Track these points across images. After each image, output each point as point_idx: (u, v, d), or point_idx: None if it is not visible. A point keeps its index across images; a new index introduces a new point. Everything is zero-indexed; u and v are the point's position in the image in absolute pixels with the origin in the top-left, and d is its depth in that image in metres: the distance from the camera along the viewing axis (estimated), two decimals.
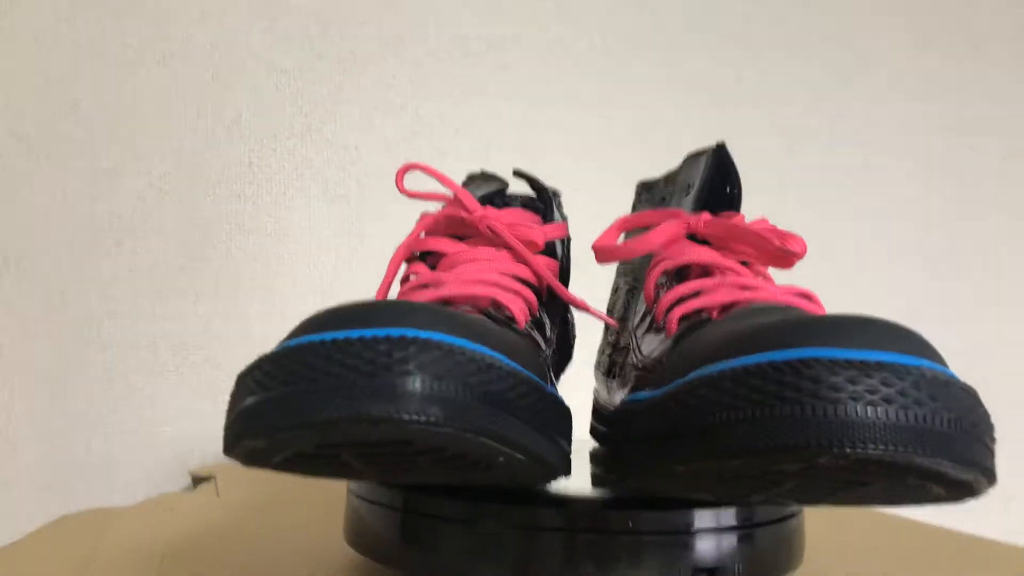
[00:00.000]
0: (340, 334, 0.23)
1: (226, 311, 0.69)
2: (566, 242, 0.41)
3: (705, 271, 0.33)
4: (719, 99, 0.84)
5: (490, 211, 0.36)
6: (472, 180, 0.42)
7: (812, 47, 0.89)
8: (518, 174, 0.41)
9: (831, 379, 0.20)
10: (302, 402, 0.22)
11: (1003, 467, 0.28)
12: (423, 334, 0.22)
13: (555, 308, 0.37)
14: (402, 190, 0.38)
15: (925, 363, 0.21)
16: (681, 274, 0.34)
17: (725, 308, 0.30)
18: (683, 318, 0.31)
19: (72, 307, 0.66)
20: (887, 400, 0.20)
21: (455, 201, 0.37)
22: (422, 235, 0.38)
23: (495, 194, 0.39)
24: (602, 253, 0.35)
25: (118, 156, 0.68)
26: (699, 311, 0.30)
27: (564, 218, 0.42)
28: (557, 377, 0.40)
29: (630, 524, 0.28)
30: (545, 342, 0.34)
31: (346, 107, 0.73)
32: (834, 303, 0.30)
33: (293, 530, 0.41)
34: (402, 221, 0.73)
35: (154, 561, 0.36)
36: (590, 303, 0.37)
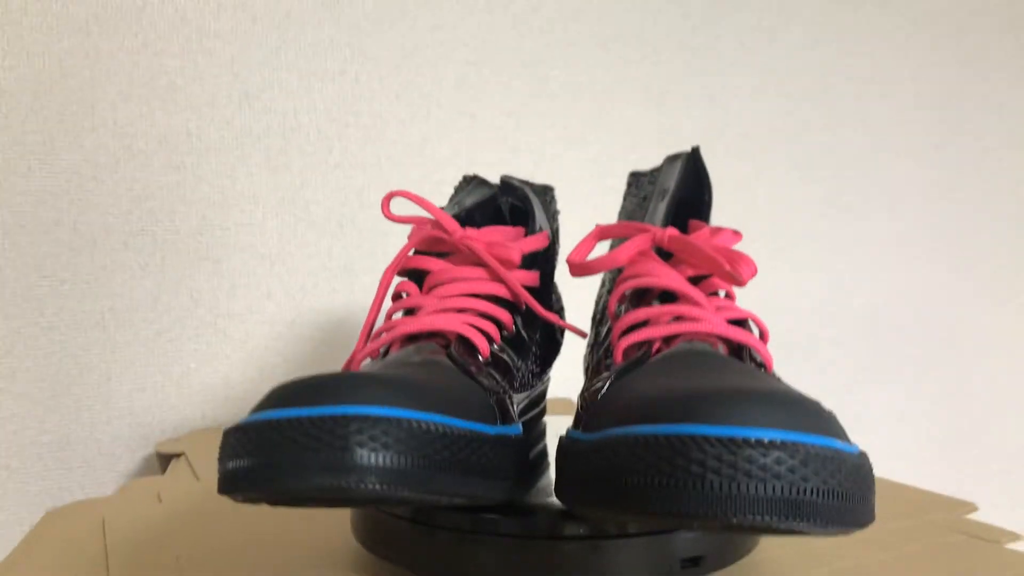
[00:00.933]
0: (293, 412, 0.26)
1: (174, 284, 0.69)
2: (554, 235, 0.44)
3: (663, 294, 0.36)
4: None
5: (469, 232, 0.39)
6: (466, 184, 0.44)
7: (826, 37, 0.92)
8: (505, 184, 0.43)
9: (724, 456, 0.23)
10: (264, 474, 0.26)
11: None
12: (364, 410, 0.26)
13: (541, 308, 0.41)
14: (388, 216, 0.40)
15: (799, 436, 0.24)
16: (639, 295, 0.37)
17: (668, 339, 0.33)
18: (628, 348, 0.33)
19: (12, 286, 0.65)
20: (764, 476, 0.23)
21: (436, 223, 0.39)
22: (412, 252, 0.40)
23: (483, 204, 0.41)
24: (574, 268, 0.37)
25: (48, 130, 0.65)
26: (643, 343, 0.33)
27: (555, 214, 0.45)
28: (548, 366, 0.43)
29: (581, 531, 0.32)
30: (520, 355, 0.38)
31: (284, 73, 0.72)
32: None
33: (300, 521, 0.44)
34: (344, 188, 0.74)
35: (170, 562, 0.39)
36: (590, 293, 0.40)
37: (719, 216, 0.90)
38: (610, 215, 0.84)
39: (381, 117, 0.76)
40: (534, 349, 0.40)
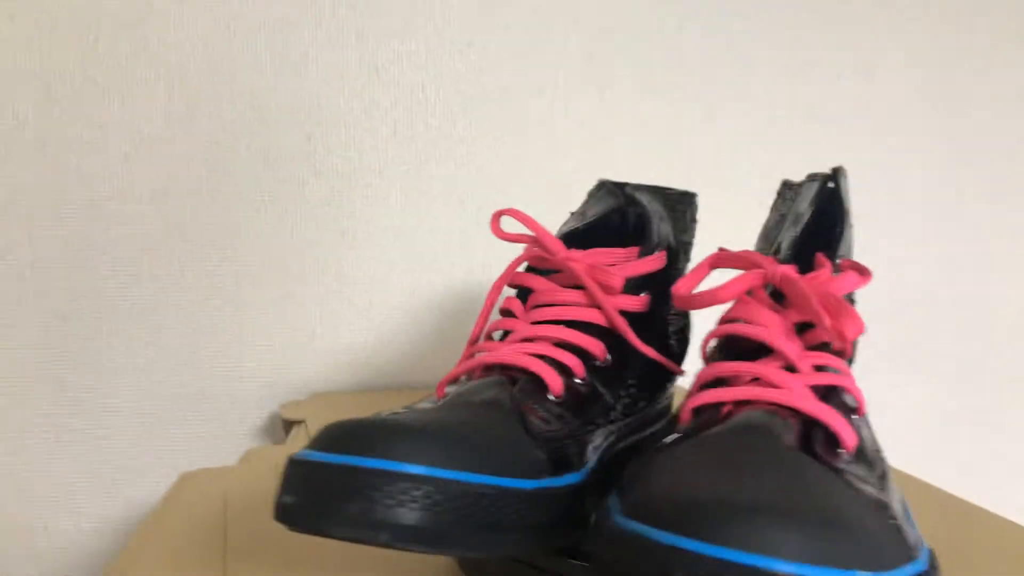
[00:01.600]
0: (331, 458, 0.27)
1: (302, 250, 0.72)
2: (682, 249, 0.43)
3: (756, 347, 0.32)
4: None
5: (574, 253, 0.37)
6: (597, 191, 0.42)
7: None
8: (629, 198, 0.42)
9: None
10: (310, 513, 0.27)
11: None
12: (409, 468, 0.26)
13: (655, 328, 0.39)
14: (498, 234, 0.39)
15: (816, 571, 0.20)
16: (735, 341, 0.34)
17: (740, 404, 0.30)
18: (697, 408, 0.31)
19: (157, 250, 0.69)
20: None
21: (539, 242, 0.38)
22: (523, 267, 0.40)
23: (607, 215, 0.41)
24: (678, 300, 0.35)
25: (191, 99, 0.68)
26: (713, 405, 0.30)
27: (690, 224, 0.43)
28: (661, 391, 0.42)
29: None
30: (615, 384, 0.37)
31: (412, 45, 0.72)
32: None
33: None
34: (467, 163, 0.74)
35: (283, 536, 0.41)
36: None
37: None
38: (742, 199, 0.80)
39: (507, 90, 0.74)
40: (630, 380, 0.39)
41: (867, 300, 0.80)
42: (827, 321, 0.30)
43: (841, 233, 0.36)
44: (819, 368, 0.30)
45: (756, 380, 0.30)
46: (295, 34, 0.70)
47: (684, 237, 0.44)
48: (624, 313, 0.38)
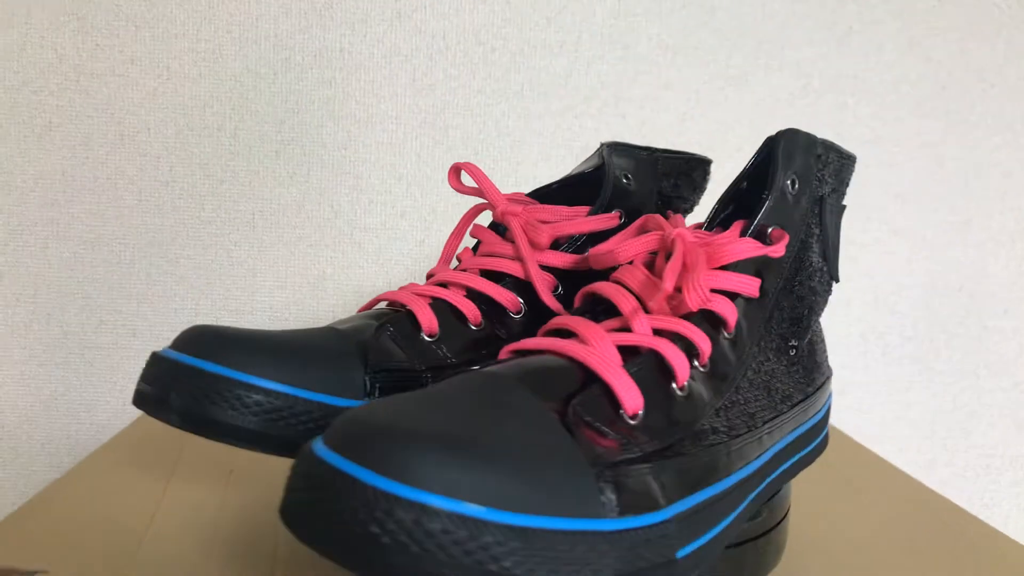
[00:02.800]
0: (183, 358, 0.32)
1: (317, 194, 0.73)
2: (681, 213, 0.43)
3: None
4: None
5: (515, 208, 0.38)
6: (607, 149, 0.42)
7: None
8: (603, 155, 0.41)
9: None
10: (152, 402, 0.32)
11: None
12: (233, 374, 0.31)
13: None
14: (454, 186, 0.40)
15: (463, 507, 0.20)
16: (592, 300, 0.33)
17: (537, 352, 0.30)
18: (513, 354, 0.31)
19: (180, 182, 0.72)
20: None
21: (485, 196, 0.39)
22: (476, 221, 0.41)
23: (584, 176, 0.41)
24: (592, 259, 0.34)
25: (215, 38, 0.70)
26: (522, 351, 0.30)
27: (695, 190, 0.44)
28: None
29: None
30: (520, 335, 0.37)
31: None
32: None
33: None
34: (483, 115, 0.74)
35: (223, 475, 0.43)
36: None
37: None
38: None
39: (529, 43, 0.74)
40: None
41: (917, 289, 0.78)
42: (666, 284, 0.29)
43: (766, 200, 0.35)
44: (658, 332, 0.29)
45: (562, 332, 0.30)
46: None
47: (680, 203, 0.43)
48: (562, 271, 0.38)
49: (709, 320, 0.31)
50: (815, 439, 0.38)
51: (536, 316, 0.37)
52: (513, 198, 0.41)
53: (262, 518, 0.39)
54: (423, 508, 0.20)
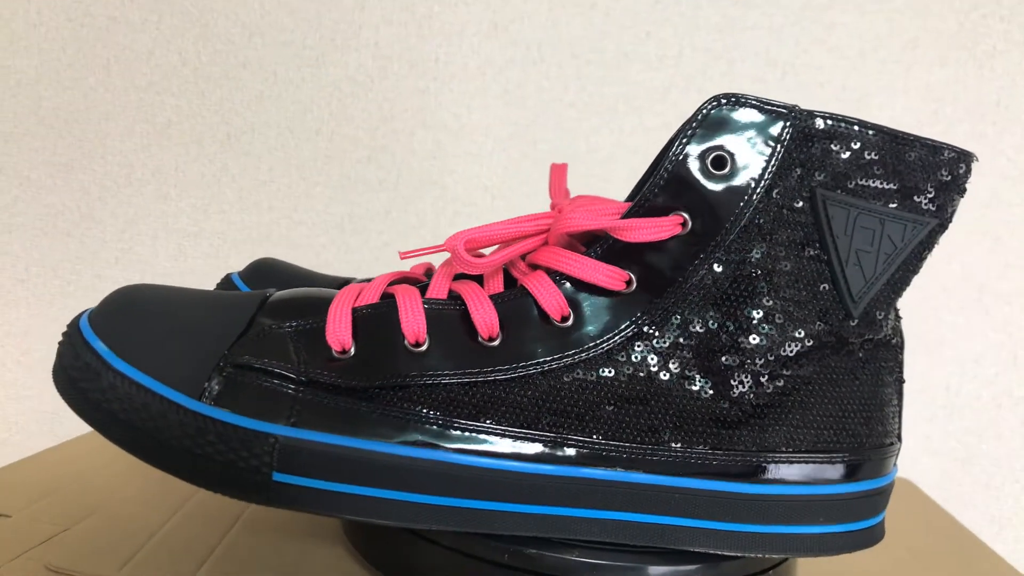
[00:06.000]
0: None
1: (404, 201, 0.74)
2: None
3: None
4: None
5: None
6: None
7: None
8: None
9: None
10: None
11: None
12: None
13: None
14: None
15: None
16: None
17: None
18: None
19: (278, 182, 0.75)
20: None
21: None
22: None
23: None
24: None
25: (319, 44, 0.73)
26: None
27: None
28: None
29: (505, 557, 0.30)
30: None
31: (535, 4, 0.71)
32: None
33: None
34: (573, 129, 0.72)
35: None
36: None
37: None
38: None
39: (627, 56, 0.71)
40: None
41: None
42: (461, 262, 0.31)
43: (652, 174, 0.31)
44: (452, 294, 0.32)
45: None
46: None
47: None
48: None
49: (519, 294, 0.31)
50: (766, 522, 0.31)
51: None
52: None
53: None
54: (88, 346, 0.29)
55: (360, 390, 0.28)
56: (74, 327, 0.30)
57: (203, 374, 0.28)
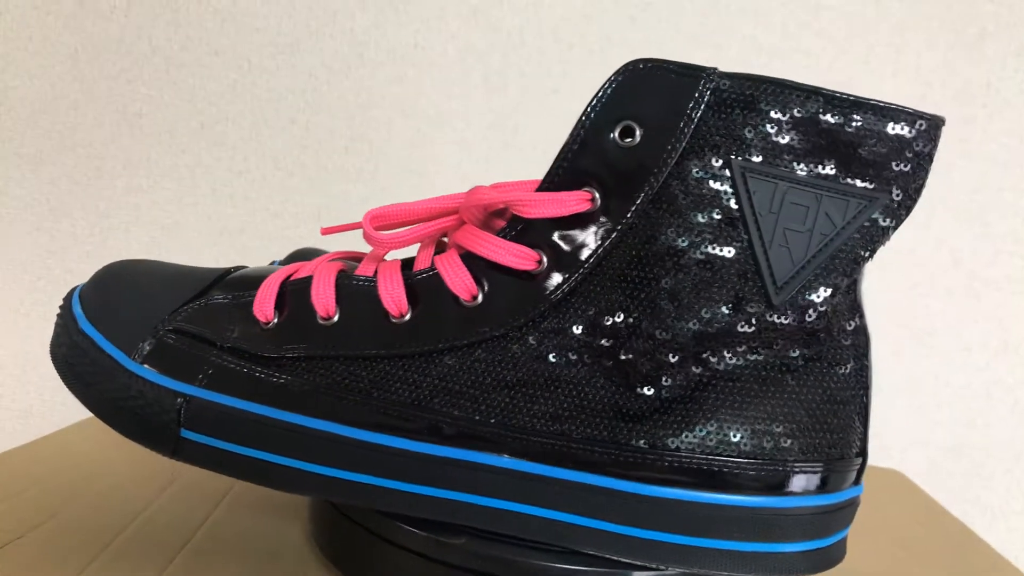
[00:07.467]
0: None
1: (381, 191, 0.72)
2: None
3: None
4: None
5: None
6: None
7: None
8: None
9: None
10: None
11: None
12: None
13: None
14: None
15: None
16: None
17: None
18: None
19: (253, 173, 0.73)
20: None
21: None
22: None
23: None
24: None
25: (293, 31, 0.71)
26: None
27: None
28: None
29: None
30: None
31: None
32: None
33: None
34: (557, 116, 0.70)
35: None
36: None
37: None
38: None
39: (610, 40, 0.69)
40: None
41: None
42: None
43: (566, 149, 0.29)
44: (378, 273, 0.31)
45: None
46: None
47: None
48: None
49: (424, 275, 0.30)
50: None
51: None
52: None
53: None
54: (70, 311, 0.32)
55: (272, 359, 0.29)
56: (68, 297, 0.33)
57: (141, 336, 0.30)
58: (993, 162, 0.67)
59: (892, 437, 0.70)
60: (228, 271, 0.34)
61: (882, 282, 0.65)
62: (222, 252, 0.73)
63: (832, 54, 0.68)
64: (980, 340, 0.69)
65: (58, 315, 0.33)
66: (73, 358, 0.31)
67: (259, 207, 0.73)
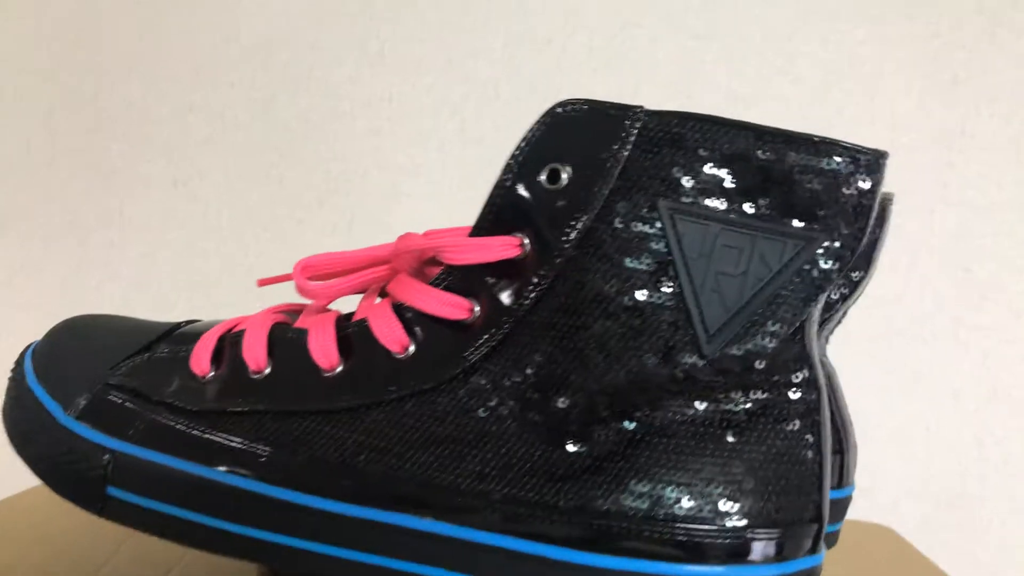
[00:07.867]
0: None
1: (357, 246, 0.71)
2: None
3: None
4: None
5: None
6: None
7: None
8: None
9: None
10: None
11: None
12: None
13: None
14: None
15: None
16: None
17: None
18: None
19: (227, 228, 0.72)
20: None
21: None
22: None
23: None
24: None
25: (269, 86, 0.70)
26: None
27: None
28: None
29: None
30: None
31: (490, 39, 0.69)
32: None
33: None
34: None
35: None
36: None
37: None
38: None
39: (584, 91, 0.69)
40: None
41: None
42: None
43: (493, 192, 0.29)
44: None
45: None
46: (375, 26, 0.69)
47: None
48: None
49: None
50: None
51: None
52: None
53: None
54: (21, 367, 0.32)
55: (205, 413, 0.28)
56: (23, 352, 0.32)
57: (79, 391, 0.29)
58: (971, 207, 0.67)
59: (883, 490, 0.68)
60: (178, 325, 0.33)
61: (865, 330, 0.64)
62: (196, 307, 0.72)
63: (808, 101, 0.67)
64: (969, 387, 0.68)
65: (11, 371, 0.32)
66: (17, 414, 0.30)
67: (234, 262, 0.72)
